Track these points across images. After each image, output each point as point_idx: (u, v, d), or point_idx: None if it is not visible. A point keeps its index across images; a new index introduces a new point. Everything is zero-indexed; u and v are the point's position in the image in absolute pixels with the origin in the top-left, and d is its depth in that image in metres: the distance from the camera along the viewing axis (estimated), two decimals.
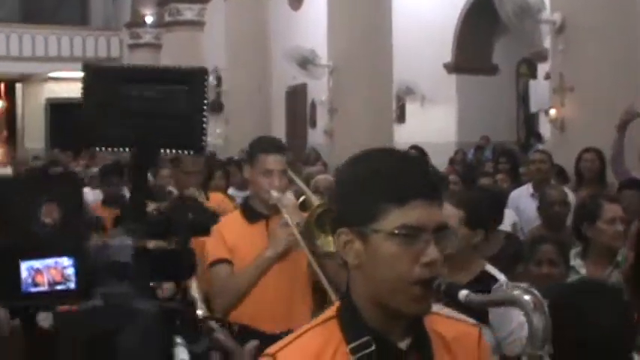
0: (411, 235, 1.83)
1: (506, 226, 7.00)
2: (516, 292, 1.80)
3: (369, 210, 1.85)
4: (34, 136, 30.72)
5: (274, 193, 4.21)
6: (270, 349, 1.95)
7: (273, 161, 4.31)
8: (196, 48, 23.55)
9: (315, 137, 19.88)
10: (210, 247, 4.26)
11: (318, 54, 15.88)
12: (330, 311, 2.00)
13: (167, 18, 24.86)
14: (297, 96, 23.90)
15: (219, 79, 22.38)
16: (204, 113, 2.31)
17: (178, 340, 2.18)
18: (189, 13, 24.36)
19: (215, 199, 6.28)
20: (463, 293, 1.84)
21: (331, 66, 14.51)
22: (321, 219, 4.23)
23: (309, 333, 1.96)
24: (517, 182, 8.77)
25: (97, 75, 2.37)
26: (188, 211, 2.43)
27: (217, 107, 22.42)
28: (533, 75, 17.17)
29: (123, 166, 11.62)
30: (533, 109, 15.60)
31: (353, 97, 13.86)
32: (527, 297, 1.77)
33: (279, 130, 21.27)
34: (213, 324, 3.60)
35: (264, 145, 4.38)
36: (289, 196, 4.31)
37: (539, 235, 5.21)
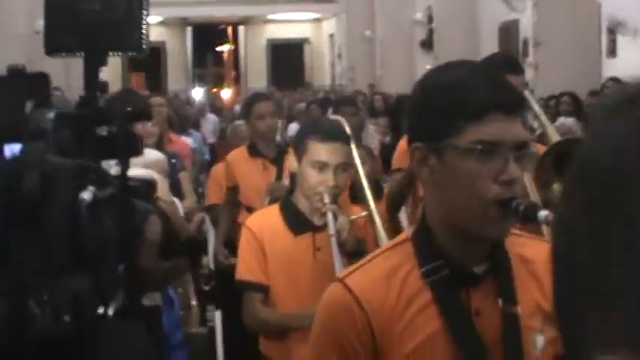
0: (488, 151, 1.73)
1: None
2: None
3: (444, 125, 1.76)
4: (256, 75, 31.68)
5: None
6: (341, 274, 1.93)
7: None
8: None
9: (527, 73, 19.99)
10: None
11: None
12: (405, 234, 1.95)
13: None
14: (509, 32, 23.86)
15: (430, 17, 22.68)
16: (143, 18, 2.57)
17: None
18: None
19: None
20: (543, 214, 1.74)
21: None
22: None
23: (380, 257, 1.91)
24: None
25: None
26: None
27: (427, 44, 22.75)
28: None
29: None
30: None
31: (557, 31, 13.89)
32: None
33: None
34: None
35: None
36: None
37: None
